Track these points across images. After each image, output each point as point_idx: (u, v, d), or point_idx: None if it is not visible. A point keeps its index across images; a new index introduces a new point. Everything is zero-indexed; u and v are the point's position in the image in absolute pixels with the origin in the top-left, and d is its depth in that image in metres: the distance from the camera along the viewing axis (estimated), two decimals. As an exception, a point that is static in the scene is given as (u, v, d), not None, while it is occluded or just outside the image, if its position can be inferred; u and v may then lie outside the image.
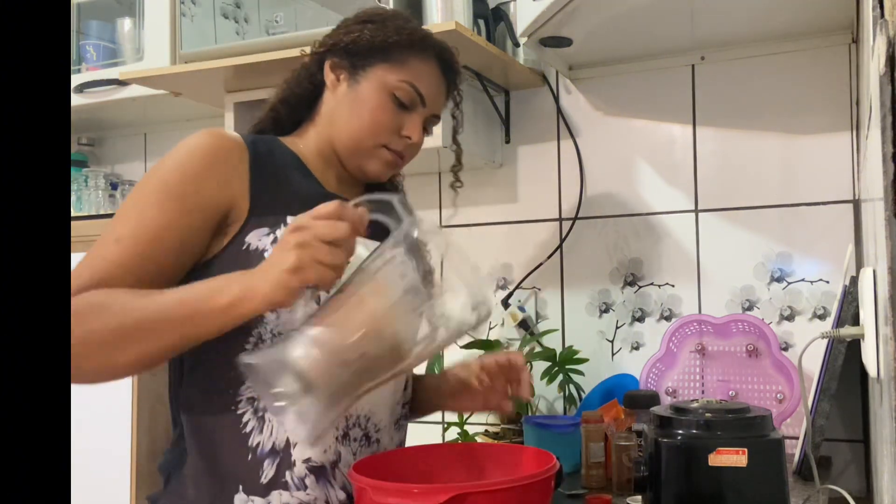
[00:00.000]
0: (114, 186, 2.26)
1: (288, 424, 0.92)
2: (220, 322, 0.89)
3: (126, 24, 2.11)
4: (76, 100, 2.07)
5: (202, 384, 1.01)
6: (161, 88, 1.91)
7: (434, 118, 1.16)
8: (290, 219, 1.00)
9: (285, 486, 0.99)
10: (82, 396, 1.62)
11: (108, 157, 2.47)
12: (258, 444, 0.99)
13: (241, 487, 0.98)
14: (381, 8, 1.17)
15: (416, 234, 0.88)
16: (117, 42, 2.14)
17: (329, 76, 1.12)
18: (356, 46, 1.10)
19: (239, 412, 0.99)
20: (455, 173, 1.42)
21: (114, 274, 0.94)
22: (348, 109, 1.10)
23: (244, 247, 0.99)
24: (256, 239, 1.00)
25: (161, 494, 1.06)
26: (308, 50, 1.17)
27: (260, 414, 0.99)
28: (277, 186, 1.05)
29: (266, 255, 0.98)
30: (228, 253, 1.00)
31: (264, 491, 0.98)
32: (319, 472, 1.01)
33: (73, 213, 2.13)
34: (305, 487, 1.00)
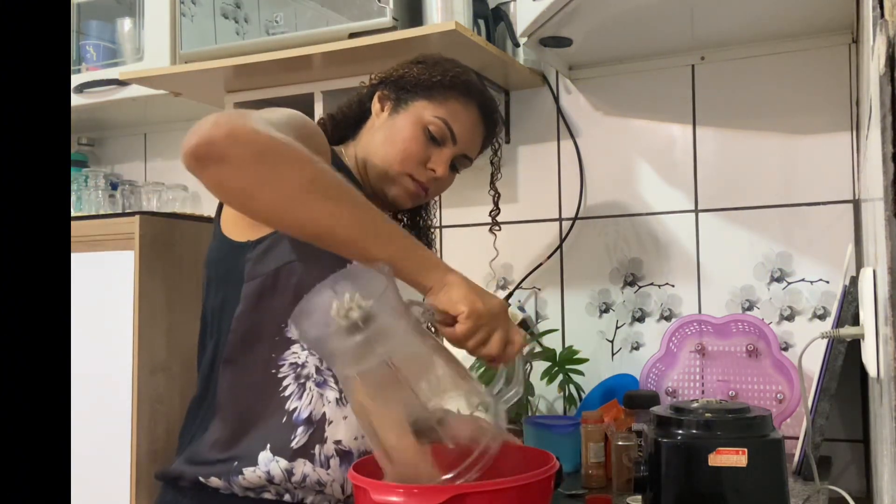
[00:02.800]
0: (114, 186, 2.26)
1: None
2: (406, 262, 0.91)
3: (126, 24, 2.11)
4: (76, 100, 2.07)
5: (248, 342, 1.05)
6: (161, 88, 1.91)
7: (465, 159, 1.22)
8: None
9: (311, 458, 1.03)
10: (82, 396, 1.63)
11: (108, 157, 2.47)
12: (295, 409, 1.04)
13: (268, 446, 1.02)
14: (437, 53, 1.25)
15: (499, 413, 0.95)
16: (117, 42, 2.13)
17: (375, 105, 1.21)
18: (403, 81, 1.20)
19: (280, 375, 1.04)
20: (493, 217, 1.53)
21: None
22: (383, 136, 1.18)
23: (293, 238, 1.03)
24: None
25: (175, 462, 1.09)
26: (366, 81, 1.27)
27: (302, 381, 1.04)
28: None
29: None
30: (275, 241, 1.04)
31: (292, 455, 1.02)
32: (345, 456, 1.05)
33: (73, 213, 2.13)
34: (328, 466, 1.04)
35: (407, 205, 1.22)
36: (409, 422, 0.90)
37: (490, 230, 1.56)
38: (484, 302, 0.92)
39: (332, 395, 1.05)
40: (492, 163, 1.39)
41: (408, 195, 1.20)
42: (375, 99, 1.22)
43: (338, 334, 0.83)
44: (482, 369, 1.71)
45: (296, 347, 1.05)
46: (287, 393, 1.04)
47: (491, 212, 1.52)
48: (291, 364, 1.05)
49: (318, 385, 1.05)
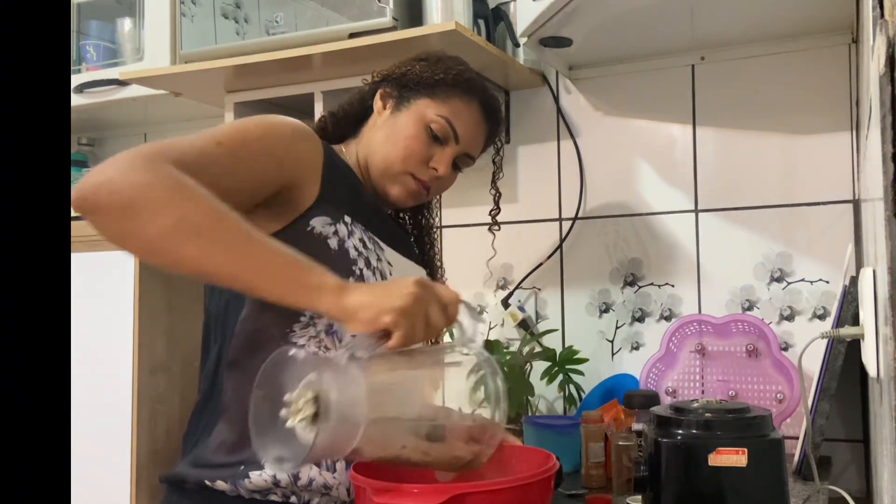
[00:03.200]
0: (114, 186, 2.26)
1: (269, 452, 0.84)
2: (293, 293, 0.88)
3: (126, 24, 2.11)
4: (76, 100, 2.07)
5: (253, 345, 1.04)
6: (161, 88, 1.91)
7: (467, 158, 1.22)
8: (347, 217, 1.07)
9: (317, 462, 1.03)
10: (82, 397, 1.62)
11: (107, 157, 2.46)
12: None
13: None
14: (440, 51, 1.25)
15: (485, 355, 0.92)
16: (117, 42, 2.13)
17: (377, 103, 1.20)
18: (406, 79, 1.19)
19: None
20: (493, 217, 1.51)
21: (202, 166, 0.93)
22: (385, 134, 1.18)
23: (309, 228, 1.04)
24: (321, 225, 1.05)
25: (179, 465, 1.08)
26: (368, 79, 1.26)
27: None
28: (344, 184, 1.11)
29: (329, 242, 1.04)
30: (292, 231, 1.03)
31: None
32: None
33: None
34: (334, 470, 1.04)
35: (408, 204, 1.22)
36: (424, 437, 0.89)
37: (489, 230, 1.55)
38: (397, 296, 0.87)
39: None
40: (493, 161, 1.39)
41: (409, 194, 1.19)
42: (377, 97, 1.21)
43: (307, 436, 0.78)
44: None
45: (300, 352, 1.04)
46: None
47: (491, 211, 1.52)
48: None
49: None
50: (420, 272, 1.24)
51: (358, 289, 0.89)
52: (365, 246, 1.09)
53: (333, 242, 1.05)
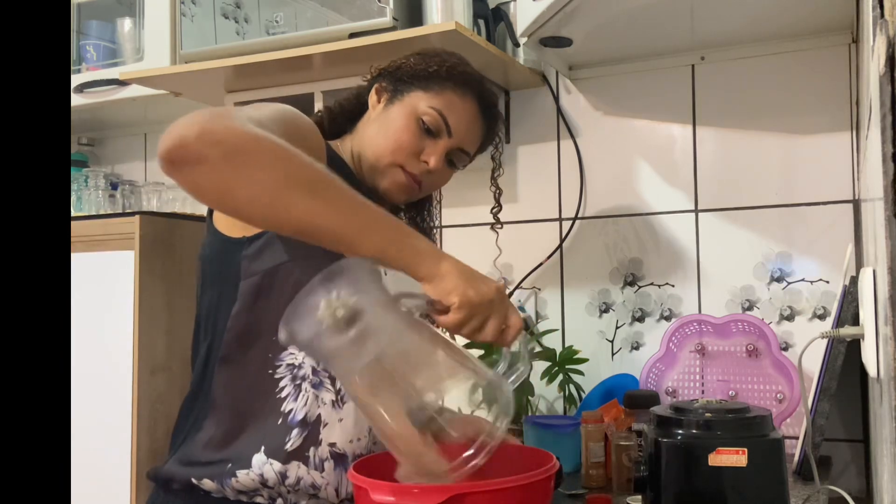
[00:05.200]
0: (114, 186, 2.26)
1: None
2: (395, 253, 0.88)
3: (126, 24, 2.11)
4: (76, 100, 2.07)
5: (244, 341, 1.03)
6: (161, 88, 1.91)
7: (462, 153, 1.19)
8: None
9: (306, 461, 1.02)
10: (82, 397, 1.62)
11: (108, 157, 2.47)
12: (290, 410, 1.03)
13: (263, 448, 1.01)
14: (439, 47, 1.23)
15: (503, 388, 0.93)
16: (117, 42, 2.13)
17: (372, 97, 1.19)
18: (400, 72, 1.17)
19: (277, 376, 1.03)
20: (495, 214, 1.48)
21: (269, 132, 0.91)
22: (377, 127, 1.16)
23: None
24: None
25: (167, 462, 1.07)
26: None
27: (298, 382, 1.03)
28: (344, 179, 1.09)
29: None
30: (280, 240, 1.02)
31: (286, 458, 1.01)
32: (340, 459, 1.04)
33: (73, 213, 2.13)
34: (323, 469, 1.03)
35: (400, 198, 1.19)
36: (406, 413, 0.89)
37: (492, 228, 1.53)
38: (476, 290, 0.90)
39: (328, 396, 1.04)
40: (493, 158, 1.36)
41: (399, 188, 1.16)
42: (373, 91, 1.20)
43: (327, 334, 0.82)
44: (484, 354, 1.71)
45: (293, 348, 1.03)
46: (283, 394, 1.03)
47: (493, 209, 1.49)
48: (288, 365, 1.04)
49: (315, 386, 1.04)
50: None
51: (451, 263, 0.91)
52: None
53: None
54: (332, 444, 1.04)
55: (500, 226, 1.52)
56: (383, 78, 1.19)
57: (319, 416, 1.03)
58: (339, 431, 1.04)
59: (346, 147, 1.20)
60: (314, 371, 1.04)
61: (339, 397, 1.05)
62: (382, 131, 1.15)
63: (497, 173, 1.42)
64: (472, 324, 0.91)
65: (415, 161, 1.15)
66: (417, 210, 1.32)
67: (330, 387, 1.04)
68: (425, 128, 1.15)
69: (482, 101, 1.20)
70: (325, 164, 1.04)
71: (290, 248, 1.01)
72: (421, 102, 1.15)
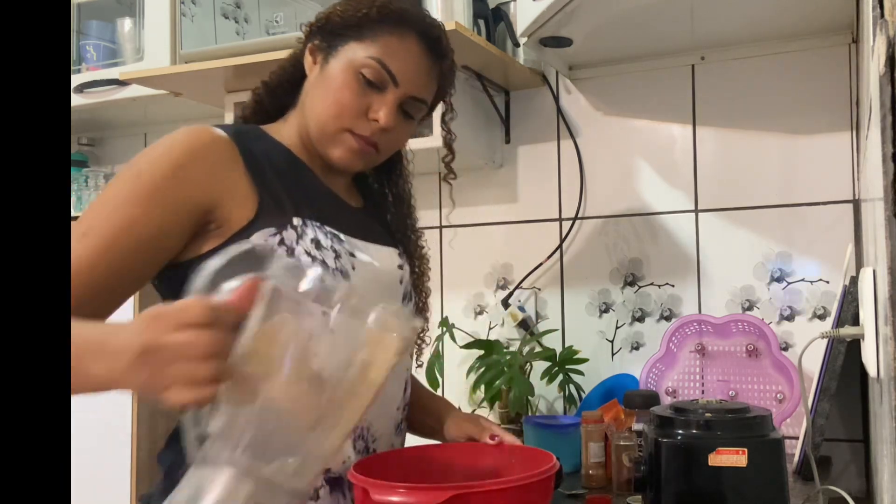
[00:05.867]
0: (114, 186, 2.26)
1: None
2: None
3: (126, 24, 2.11)
4: (76, 100, 2.07)
5: None
6: (161, 88, 1.91)
7: (415, 101, 1.06)
8: (296, 220, 0.97)
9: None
10: (83, 398, 1.62)
11: (108, 157, 2.47)
12: None
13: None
14: None
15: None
16: (117, 42, 2.13)
17: (308, 60, 1.06)
18: (330, 25, 1.04)
19: None
20: (447, 164, 1.26)
21: (79, 270, 0.86)
22: (315, 93, 1.04)
23: (249, 247, 0.91)
24: (262, 239, 0.95)
25: (157, 491, 1.02)
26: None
27: None
28: (280, 184, 1.00)
29: (277, 254, 0.93)
30: (232, 248, 0.89)
31: None
32: (335, 483, 0.99)
33: (73, 213, 2.13)
34: (318, 497, 0.98)
35: (357, 166, 1.07)
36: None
37: (445, 179, 1.28)
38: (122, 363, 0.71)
39: None
40: (444, 101, 1.17)
41: (353, 155, 1.04)
42: (307, 53, 1.06)
43: None
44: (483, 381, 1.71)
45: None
46: None
47: (445, 157, 1.26)
48: None
49: None
50: (391, 254, 1.12)
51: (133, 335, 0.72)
52: (318, 246, 0.98)
53: (281, 253, 0.95)
54: (326, 471, 0.98)
55: (453, 176, 1.27)
56: (315, 36, 1.06)
57: None
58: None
59: (290, 125, 1.08)
60: None
61: None
62: (322, 95, 1.03)
63: (448, 116, 1.22)
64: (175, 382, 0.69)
65: (363, 121, 1.03)
66: (387, 176, 1.21)
67: None
68: (367, 81, 1.01)
69: (425, 39, 1.05)
70: (243, 169, 0.96)
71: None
72: (357, 53, 1.02)
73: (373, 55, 1.01)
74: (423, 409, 1.20)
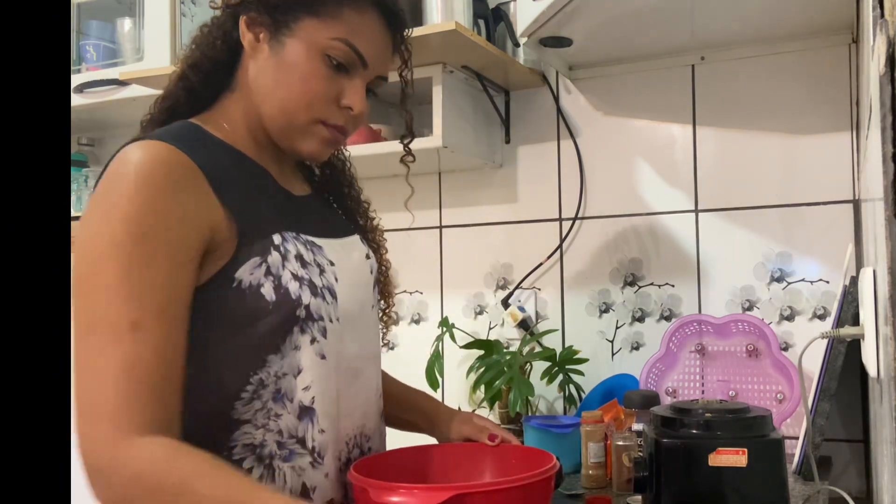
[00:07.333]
0: (114, 186, 2.26)
1: None
2: None
3: (126, 24, 2.11)
4: (76, 100, 2.07)
5: (191, 430, 0.86)
6: (161, 88, 1.90)
7: (380, 80, 0.99)
8: (276, 237, 0.91)
9: None
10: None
11: (107, 157, 2.44)
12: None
13: None
14: None
15: None
16: (117, 42, 2.13)
17: (246, 36, 0.94)
18: None
19: (235, 458, 0.89)
20: (405, 145, 1.14)
21: (150, 370, 0.81)
22: (273, 78, 0.94)
23: (234, 283, 0.88)
24: (248, 273, 0.88)
25: None
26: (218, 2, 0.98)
27: (266, 461, 0.90)
28: (248, 202, 0.92)
29: (262, 290, 0.88)
30: (213, 289, 0.87)
31: None
32: None
33: (73, 213, 2.13)
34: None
35: (324, 157, 1.00)
36: None
37: (401, 161, 1.17)
38: None
39: (304, 461, 0.92)
40: (401, 76, 1.06)
41: (325, 145, 0.97)
42: (243, 27, 0.94)
43: None
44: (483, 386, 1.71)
45: (247, 427, 0.89)
46: (256, 476, 0.89)
47: (403, 137, 1.15)
48: (246, 445, 0.89)
49: (286, 459, 0.91)
50: (356, 244, 1.07)
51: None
52: (303, 264, 0.93)
53: (268, 288, 0.89)
54: (329, 502, 0.96)
55: (411, 158, 1.16)
56: (250, 7, 0.94)
57: (304, 484, 0.92)
58: (329, 488, 0.95)
59: (232, 116, 0.98)
60: (280, 444, 0.91)
61: (315, 455, 0.93)
62: (283, 82, 0.93)
63: (408, 92, 1.09)
64: None
65: (335, 110, 0.95)
66: (333, 188, 1.15)
67: (301, 449, 0.92)
68: (335, 64, 0.93)
69: (384, 11, 0.96)
70: (208, 189, 0.88)
71: (203, 326, 0.88)
72: (318, 34, 0.92)
73: (338, 35, 0.92)
74: (399, 403, 1.17)
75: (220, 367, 0.89)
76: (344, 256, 1.01)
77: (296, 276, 0.91)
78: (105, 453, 0.79)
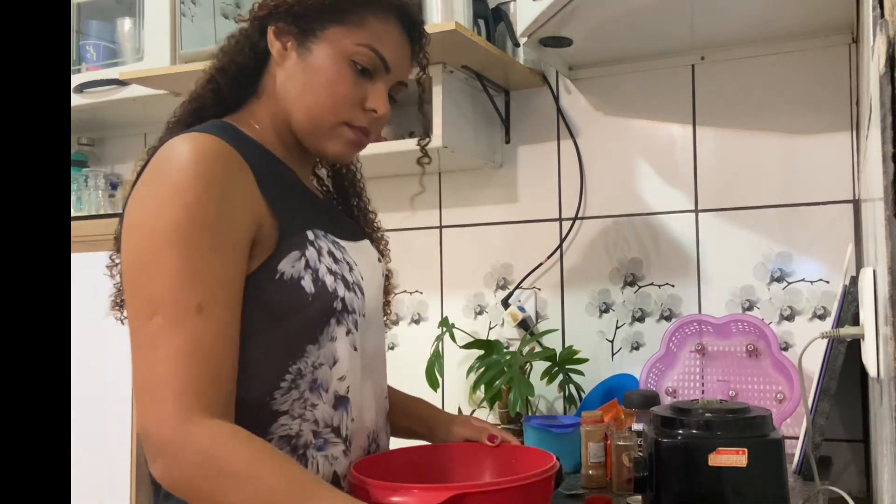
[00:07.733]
0: (114, 186, 2.26)
1: None
2: None
3: (126, 24, 2.11)
4: (76, 100, 2.07)
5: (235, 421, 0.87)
6: (161, 88, 1.91)
7: (400, 86, 1.04)
8: (310, 234, 0.94)
9: None
10: (83, 397, 1.63)
11: (108, 157, 2.47)
12: None
13: None
14: None
15: None
16: (117, 42, 2.13)
17: (274, 45, 0.99)
18: (302, 8, 0.97)
19: None
20: (422, 147, 1.20)
21: (213, 354, 0.83)
22: (301, 83, 0.98)
23: (277, 276, 0.91)
24: (290, 265, 0.92)
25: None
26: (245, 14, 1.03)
27: (301, 451, 0.92)
28: (285, 198, 0.96)
29: (302, 283, 0.91)
30: (257, 280, 0.90)
31: None
32: (333, 483, 0.97)
33: (73, 213, 2.13)
34: None
35: (350, 158, 1.05)
36: None
37: (418, 162, 1.22)
38: None
39: (337, 450, 0.95)
40: (419, 82, 1.12)
41: (350, 147, 1.01)
42: (271, 37, 0.99)
43: None
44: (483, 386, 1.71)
45: (284, 419, 0.91)
46: None
47: (420, 139, 1.21)
48: (283, 437, 0.91)
49: (320, 448, 0.94)
50: (369, 247, 1.10)
51: None
52: (335, 260, 0.96)
53: (308, 281, 0.92)
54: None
55: (427, 160, 1.21)
56: (278, 18, 0.98)
57: (335, 473, 0.95)
58: None
59: (261, 119, 1.01)
60: (315, 433, 0.93)
61: (347, 444, 0.96)
62: (311, 87, 0.97)
63: (425, 99, 1.16)
64: None
65: (359, 112, 0.99)
66: (344, 193, 1.19)
67: (336, 438, 0.95)
68: (360, 69, 0.97)
69: (404, 19, 1.01)
70: (253, 180, 0.91)
71: (249, 322, 0.91)
72: (345, 40, 0.96)
73: (363, 42, 0.97)
74: (397, 410, 1.17)
75: (260, 357, 0.91)
76: (363, 258, 1.05)
77: (331, 271, 0.95)
78: (170, 431, 0.80)
